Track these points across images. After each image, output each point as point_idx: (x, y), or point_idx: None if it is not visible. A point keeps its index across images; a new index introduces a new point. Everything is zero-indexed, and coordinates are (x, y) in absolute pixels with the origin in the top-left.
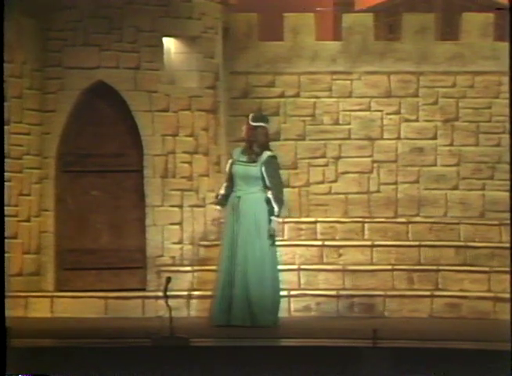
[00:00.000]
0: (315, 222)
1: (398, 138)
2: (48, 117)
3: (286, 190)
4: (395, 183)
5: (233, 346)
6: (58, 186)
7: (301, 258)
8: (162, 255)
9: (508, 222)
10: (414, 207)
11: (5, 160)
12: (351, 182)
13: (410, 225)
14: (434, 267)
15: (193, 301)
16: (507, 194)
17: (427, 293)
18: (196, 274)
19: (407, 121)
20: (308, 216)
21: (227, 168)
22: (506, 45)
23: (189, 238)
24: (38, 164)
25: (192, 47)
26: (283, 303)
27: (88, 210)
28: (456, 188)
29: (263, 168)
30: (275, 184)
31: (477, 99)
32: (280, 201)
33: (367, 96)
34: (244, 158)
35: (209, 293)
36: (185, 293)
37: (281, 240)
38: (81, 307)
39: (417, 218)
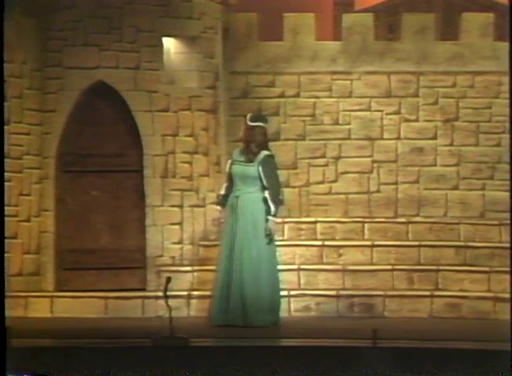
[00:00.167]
0: (315, 222)
1: (398, 138)
2: (48, 117)
3: (286, 190)
4: (395, 183)
5: (233, 346)
6: (58, 186)
7: (301, 258)
8: (162, 255)
9: (508, 222)
10: (414, 207)
11: (5, 160)
12: (351, 182)
13: (410, 225)
14: (434, 267)
15: (193, 301)
16: (507, 194)
17: (427, 293)
18: (195, 274)
19: (407, 121)
20: (308, 216)
21: (227, 168)
22: (506, 45)
23: (189, 238)
24: (38, 164)
25: (192, 47)
26: (283, 303)
27: (88, 210)
28: (456, 188)
29: (260, 168)
30: (273, 184)
31: (477, 99)
32: (277, 201)
33: (367, 96)
34: (242, 158)
35: (209, 293)
36: (185, 293)
37: (281, 240)
38: (81, 307)
39: (417, 218)
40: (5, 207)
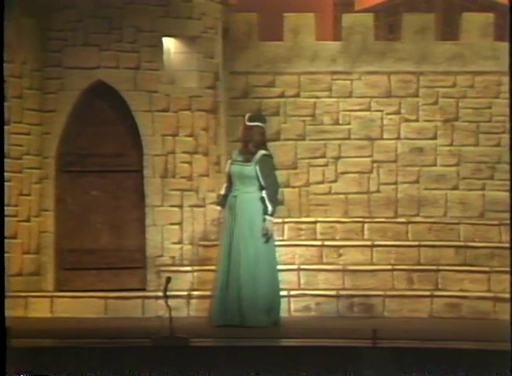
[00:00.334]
0: (315, 222)
1: (398, 138)
2: (48, 117)
3: (286, 190)
4: (395, 183)
5: (233, 346)
6: (58, 186)
7: (301, 258)
8: (162, 255)
9: (508, 222)
10: (414, 207)
11: (5, 160)
12: (351, 182)
13: (410, 225)
14: (434, 267)
15: (193, 301)
16: (507, 194)
17: (427, 293)
18: (195, 274)
19: (407, 121)
20: (308, 216)
21: (226, 169)
22: (506, 45)
23: (189, 238)
24: (38, 164)
25: (192, 47)
26: (283, 303)
27: (88, 210)
28: (456, 188)
29: (257, 168)
30: (270, 183)
31: (477, 99)
32: (274, 200)
33: (367, 96)
34: (240, 158)
35: (209, 293)
36: (185, 293)
37: (281, 240)
38: (81, 307)
39: (417, 218)
40: (5, 207)
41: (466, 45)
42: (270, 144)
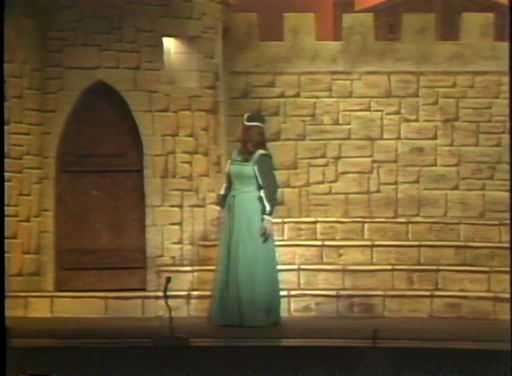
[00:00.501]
0: (315, 222)
1: (398, 138)
2: (48, 117)
3: (286, 190)
4: (395, 183)
5: (233, 346)
6: (58, 186)
7: (301, 258)
8: (162, 255)
9: (508, 222)
10: (414, 207)
11: (5, 160)
12: (351, 182)
13: (410, 225)
14: (434, 267)
15: (193, 301)
16: (507, 194)
17: (427, 293)
18: (195, 274)
19: (407, 121)
20: (308, 216)
21: (226, 169)
22: (506, 45)
23: (189, 238)
24: (38, 164)
25: (192, 47)
26: (283, 303)
27: (88, 210)
28: (456, 188)
29: (255, 167)
30: (268, 183)
31: (477, 99)
32: (273, 200)
33: (367, 96)
34: (239, 158)
35: (208, 293)
36: (185, 293)
37: (281, 240)
38: (81, 307)
39: (417, 218)
40: (5, 207)
41: (466, 45)
42: (270, 144)
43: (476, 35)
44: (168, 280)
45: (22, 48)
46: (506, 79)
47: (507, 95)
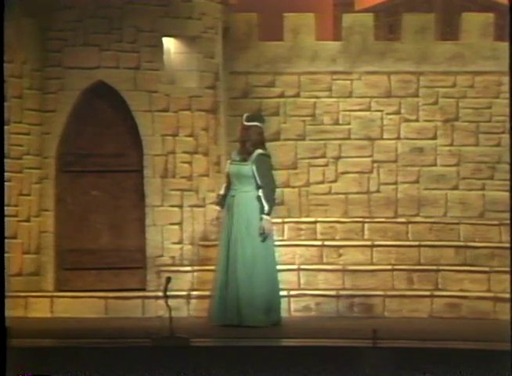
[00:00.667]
0: (315, 222)
1: (398, 138)
2: (48, 117)
3: (286, 190)
4: (395, 183)
5: (233, 346)
6: (58, 186)
7: (301, 258)
8: (162, 255)
9: (508, 222)
10: (414, 207)
11: (5, 160)
12: (351, 182)
13: (410, 225)
14: (434, 267)
15: (193, 301)
16: (507, 194)
17: (427, 293)
18: (195, 274)
19: (407, 121)
20: (308, 216)
21: (225, 169)
22: (506, 45)
23: (189, 238)
24: (38, 164)
25: (192, 47)
26: (283, 303)
27: (88, 210)
28: (456, 188)
29: (254, 167)
30: (267, 182)
31: (477, 99)
32: (271, 199)
33: (367, 96)
34: (238, 158)
35: (208, 293)
36: (185, 293)
37: (281, 240)
38: (81, 307)
39: (417, 218)
40: (5, 207)
41: (466, 45)
42: (270, 144)
43: (476, 35)
44: (168, 280)
45: (22, 48)
46: (506, 79)
47: (507, 95)
